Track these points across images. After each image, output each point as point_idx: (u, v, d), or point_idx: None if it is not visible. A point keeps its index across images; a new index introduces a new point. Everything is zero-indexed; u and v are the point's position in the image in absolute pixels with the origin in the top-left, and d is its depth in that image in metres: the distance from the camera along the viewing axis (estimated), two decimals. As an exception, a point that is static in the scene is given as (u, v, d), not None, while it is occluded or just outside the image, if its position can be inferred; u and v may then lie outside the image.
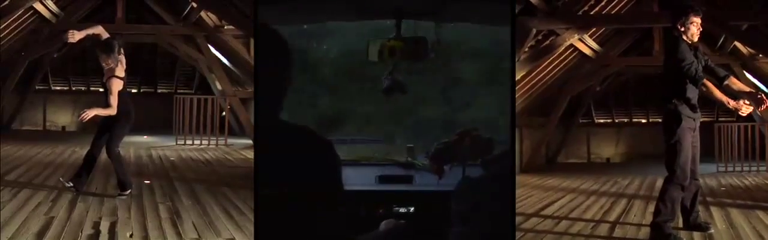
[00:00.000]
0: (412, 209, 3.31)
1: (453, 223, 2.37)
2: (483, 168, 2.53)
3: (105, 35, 5.80)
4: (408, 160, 3.73)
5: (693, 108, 4.71)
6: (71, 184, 5.82)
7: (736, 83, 4.86)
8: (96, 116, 5.76)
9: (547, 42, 10.17)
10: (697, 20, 4.72)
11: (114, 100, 5.63)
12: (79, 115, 5.69)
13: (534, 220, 5.69)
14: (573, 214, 6.04)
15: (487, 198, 2.36)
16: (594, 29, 10.93)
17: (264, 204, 2.33)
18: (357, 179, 3.38)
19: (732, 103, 4.56)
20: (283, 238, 2.28)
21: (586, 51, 11.35)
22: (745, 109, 4.55)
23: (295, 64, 2.40)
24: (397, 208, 3.29)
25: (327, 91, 3.92)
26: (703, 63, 4.76)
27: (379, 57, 3.10)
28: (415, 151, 3.76)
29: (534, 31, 9.19)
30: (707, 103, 5.06)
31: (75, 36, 5.62)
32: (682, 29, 4.71)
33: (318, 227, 2.28)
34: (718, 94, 4.61)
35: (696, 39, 4.75)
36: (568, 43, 10.30)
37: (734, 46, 11.38)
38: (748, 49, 11.23)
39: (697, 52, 4.71)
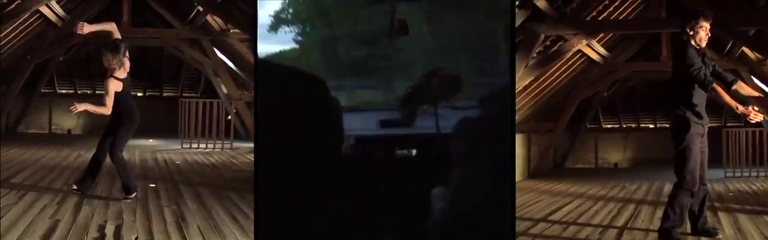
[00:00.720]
0: (414, 152, 3.17)
1: (455, 165, 2.29)
2: (479, 108, 2.44)
3: (116, 34, 5.82)
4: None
5: (701, 114, 4.69)
6: (76, 188, 5.83)
7: (744, 88, 4.86)
8: (103, 119, 5.77)
9: (555, 47, 10.16)
10: (707, 25, 4.71)
11: (109, 100, 5.63)
12: (70, 107, 5.67)
13: (542, 225, 5.68)
14: (581, 220, 6.04)
15: (483, 139, 2.27)
16: (602, 35, 10.92)
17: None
18: (359, 124, 3.26)
19: (741, 109, 4.53)
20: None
21: (594, 56, 11.35)
22: (754, 115, 4.52)
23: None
24: (400, 151, 3.16)
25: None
26: (711, 68, 4.74)
27: None
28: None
29: (542, 36, 9.19)
30: (715, 108, 5.06)
31: (84, 28, 5.66)
32: (691, 33, 4.69)
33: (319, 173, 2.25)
34: (728, 98, 4.59)
35: (704, 44, 4.73)
36: (576, 48, 10.29)
37: (742, 51, 11.36)
38: (756, 54, 11.20)
39: (704, 58, 4.69)
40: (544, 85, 11.20)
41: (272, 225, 2.53)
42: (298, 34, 3.28)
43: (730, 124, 12.96)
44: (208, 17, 11.77)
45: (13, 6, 10.06)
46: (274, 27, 3.13)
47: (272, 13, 3.11)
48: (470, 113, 2.47)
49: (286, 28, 3.19)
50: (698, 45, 4.71)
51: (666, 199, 6.98)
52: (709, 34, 4.74)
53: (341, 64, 3.31)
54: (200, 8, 11.50)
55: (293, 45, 3.31)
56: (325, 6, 3.33)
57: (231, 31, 11.85)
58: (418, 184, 2.84)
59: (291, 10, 3.23)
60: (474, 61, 3.06)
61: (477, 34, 3.17)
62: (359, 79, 3.39)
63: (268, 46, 3.06)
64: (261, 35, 2.97)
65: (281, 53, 3.21)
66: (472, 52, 3.38)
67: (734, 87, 4.77)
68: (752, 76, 11.65)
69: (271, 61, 2.57)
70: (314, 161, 2.38)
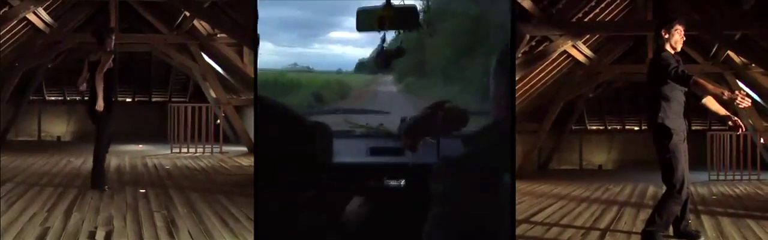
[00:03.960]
0: (403, 182, 3.22)
1: (435, 201, 2.27)
2: (465, 143, 2.40)
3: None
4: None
5: (680, 122, 4.74)
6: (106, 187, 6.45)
7: (712, 104, 4.98)
8: (91, 126, 5.99)
9: (541, 48, 10.21)
10: (681, 28, 4.79)
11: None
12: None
13: (524, 226, 5.70)
14: (564, 221, 6.05)
15: (473, 175, 2.25)
16: (587, 36, 10.97)
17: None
18: (349, 151, 3.29)
19: (727, 94, 4.45)
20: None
21: (580, 58, 11.38)
22: (741, 99, 4.39)
23: None
24: (388, 181, 3.19)
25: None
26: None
27: (367, 27, 2.97)
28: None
29: (527, 36, 9.22)
30: (700, 112, 5.12)
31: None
32: (667, 36, 4.77)
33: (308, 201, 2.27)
34: (712, 88, 4.57)
35: (679, 46, 4.80)
36: (561, 49, 10.34)
37: (727, 55, 11.44)
38: (741, 58, 11.29)
39: (679, 63, 4.74)
40: (528, 85, 11.22)
41: None
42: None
43: (715, 127, 13.06)
44: (195, 22, 11.82)
45: (0, 13, 10.08)
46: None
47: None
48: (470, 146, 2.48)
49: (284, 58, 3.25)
50: (674, 48, 4.79)
51: (650, 202, 7.14)
52: (684, 38, 4.82)
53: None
54: (187, 13, 11.54)
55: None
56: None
57: (218, 35, 11.90)
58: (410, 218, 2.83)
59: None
60: (471, 95, 3.09)
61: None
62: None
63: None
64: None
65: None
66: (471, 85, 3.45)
67: (703, 100, 4.92)
68: (737, 80, 11.74)
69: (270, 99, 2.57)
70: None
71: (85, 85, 6.60)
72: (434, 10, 3.12)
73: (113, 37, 6.62)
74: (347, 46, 3.89)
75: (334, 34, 3.89)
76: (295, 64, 3.93)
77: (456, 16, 3.59)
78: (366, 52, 3.48)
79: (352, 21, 2.89)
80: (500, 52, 2.41)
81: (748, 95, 4.52)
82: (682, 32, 4.79)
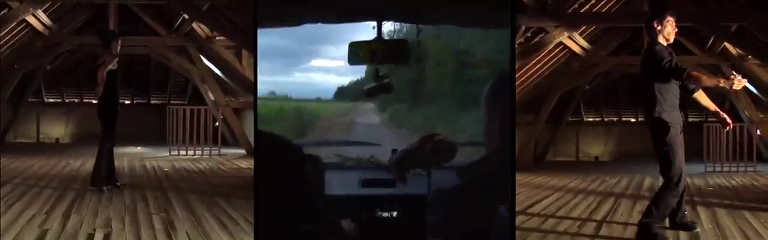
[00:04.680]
0: (395, 214, 3.26)
1: (429, 232, 2.33)
2: (459, 175, 2.49)
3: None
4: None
5: (677, 114, 4.76)
6: (119, 184, 6.80)
7: (703, 98, 5.00)
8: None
9: (537, 39, 10.16)
10: (672, 19, 4.81)
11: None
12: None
13: (521, 217, 5.71)
14: (560, 213, 6.08)
15: (464, 207, 2.30)
16: (584, 27, 10.94)
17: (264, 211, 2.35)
18: (341, 182, 3.37)
19: (723, 81, 4.54)
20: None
21: (576, 49, 11.36)
22: (738, 81, 4.46)
23: None
24: (380, 213, 3.24)
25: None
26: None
27: (358, 60, 3.05)
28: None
29: (523, 27, 9.20)
30: (697, 104, 5.18)
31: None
32: (659, 28, 4.79)
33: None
34: (706, 80, 4.65)
35: (672, 38, 4.83)
36: (557, 40, 10.30)
37: (724, 47, 11.43)
38: (738, 50, 11.28)
39: (672, 56, 4.77)
40: (525, 76, 11.15)
41: None
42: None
43: (712, 119, 13.03)
44: (194, 25, 11.84)
45: None
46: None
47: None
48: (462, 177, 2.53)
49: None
50: (667, 39, 4.81)
51: (646, 193, 7.17)
52: (677, 30, 4.84)
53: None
54: (186, 16, 11.56)
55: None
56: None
57: (217, 38, 11.92)
58: None
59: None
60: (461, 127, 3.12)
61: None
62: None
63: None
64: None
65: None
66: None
67: (694, 95, 4.96)
68: (734, 72, 11.68)
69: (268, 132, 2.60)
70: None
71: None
72: (424, 43, 3.15)
73: (119, 41, 6.70)
74: (329, 75, 3.93)
75: (316, 63, 3.92)
76: (273, 92, 3.97)
77: (446, 49, 3.64)
78: (346, 81, 3.53)
79: (333, 50, 2.93)
80: (492, 84, 2.45)
81: (743, 77, 4.57)
82: (674, 23, 4.82)
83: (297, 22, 3.09)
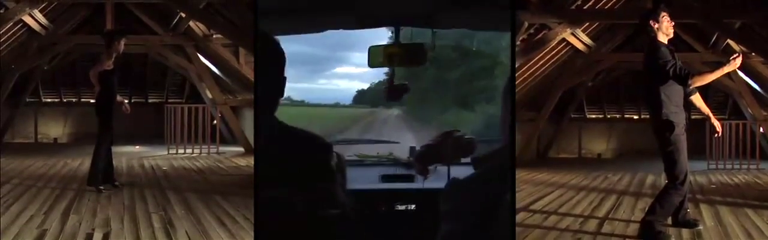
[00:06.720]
0: (413, 207, 3.44)
1: (446, 222, 2.37)
2: (473, 167, 2.51)
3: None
4: (410, 160, 3.85)
5: (681, 113, 4.75)
6: (117, 183, 6.79)
7: (700, 101, 5.05)
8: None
9: (540, 36, 10.15)
10: (667, 14, 4.80)
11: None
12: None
13: (523, 214, 5.73)
14: (562, 209, 6.10)
15: (480, 197, 2.34)
16: (587, 24, 10.91)
17: (264, 209, 2.34)
18: (361, 178, 3.55)
19: (726, 69, 4.69)
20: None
21: (579, 46, 11.34)
22: (736, 60, 4.63)
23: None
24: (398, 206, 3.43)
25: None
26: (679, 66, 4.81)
27: (378, 63, 3.17)
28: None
29: (526, 24, 9.18)
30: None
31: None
32: (656, 25, 4.77)
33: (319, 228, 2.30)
34: (711, 76, 4.72)
35: (671, 32, 4.82)
36: (560, 37, 10.29)
37: (727, 44, 11.40)
38: (741, 47, 11.25)
39: (674, 55, 4.75)
40: (527, 73, 11.15)
41: None
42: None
43: (715, 116, 13.00)
44: (191, 23, 11.80)
45: (-4, 15, 10.08)
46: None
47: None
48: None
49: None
50: (666, 35, 4.79)
51: (648, 191, 7.17)
52: (673, 22, 4.82)
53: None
54: (183, 14, 11.53)
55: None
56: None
57: (214, 36, 11.88)
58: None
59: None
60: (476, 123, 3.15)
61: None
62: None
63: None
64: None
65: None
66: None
67: (691, 97, 5.03)
68: (737, 69, 11.69)
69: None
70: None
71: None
72: (440, 46, 3.25)
73: (122, 42, 6.69)
74: (354, 81, 4.01)
75: (340, 69, 4.00)
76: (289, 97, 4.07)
77: (461, 52, 3.71)
78: (368, 86, 3.62)
79: (357, 56, 3.00)
80: (505, 83, 2.52)
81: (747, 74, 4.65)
82: (669, 17, 4.80)
83: (319, 29, 3.20)
